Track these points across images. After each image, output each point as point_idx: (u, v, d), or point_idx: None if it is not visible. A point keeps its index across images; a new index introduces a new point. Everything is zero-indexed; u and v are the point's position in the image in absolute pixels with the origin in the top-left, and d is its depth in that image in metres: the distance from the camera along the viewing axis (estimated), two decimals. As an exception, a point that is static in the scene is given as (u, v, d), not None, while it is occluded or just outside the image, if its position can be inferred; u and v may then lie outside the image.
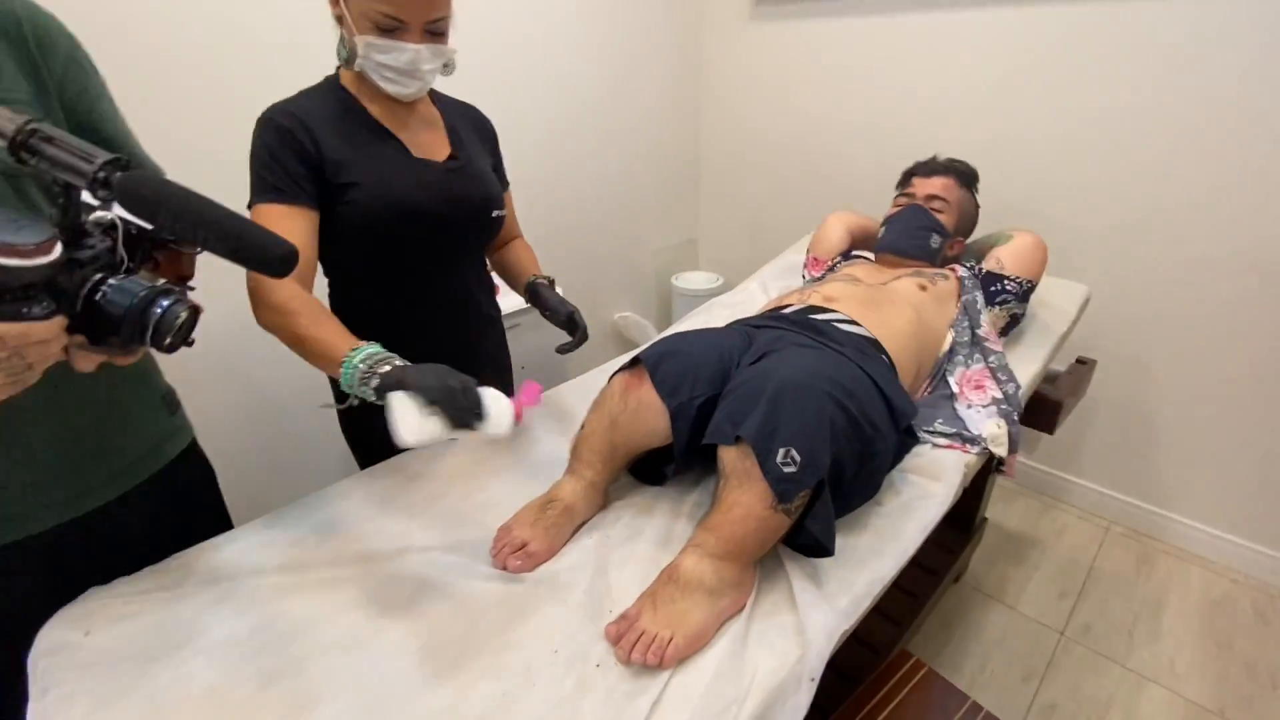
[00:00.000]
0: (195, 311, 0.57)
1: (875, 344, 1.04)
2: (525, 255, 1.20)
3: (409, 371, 0.73)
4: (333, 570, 0.84)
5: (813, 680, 0.69)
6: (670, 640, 0.71)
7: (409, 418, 0.69)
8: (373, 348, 0.78)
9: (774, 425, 0.77)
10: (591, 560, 0.86)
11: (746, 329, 1.05)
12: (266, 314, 0.83)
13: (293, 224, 0.87)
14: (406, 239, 0.98)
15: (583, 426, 0.96)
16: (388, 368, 0.75)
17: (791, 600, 0.79)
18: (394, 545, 0.88)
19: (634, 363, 0.95)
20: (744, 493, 0.76)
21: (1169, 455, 1.78)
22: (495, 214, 1.07)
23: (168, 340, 0.54)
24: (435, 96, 1.07)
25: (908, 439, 0.93)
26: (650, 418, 0.91)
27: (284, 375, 1.55)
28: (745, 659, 0.72)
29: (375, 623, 0.77)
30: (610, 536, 0.91)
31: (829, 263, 1.51)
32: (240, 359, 1.53)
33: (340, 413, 1.12)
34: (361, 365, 0.75)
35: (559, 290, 1.16)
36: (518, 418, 0.79)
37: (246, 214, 0.77)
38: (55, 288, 0.49)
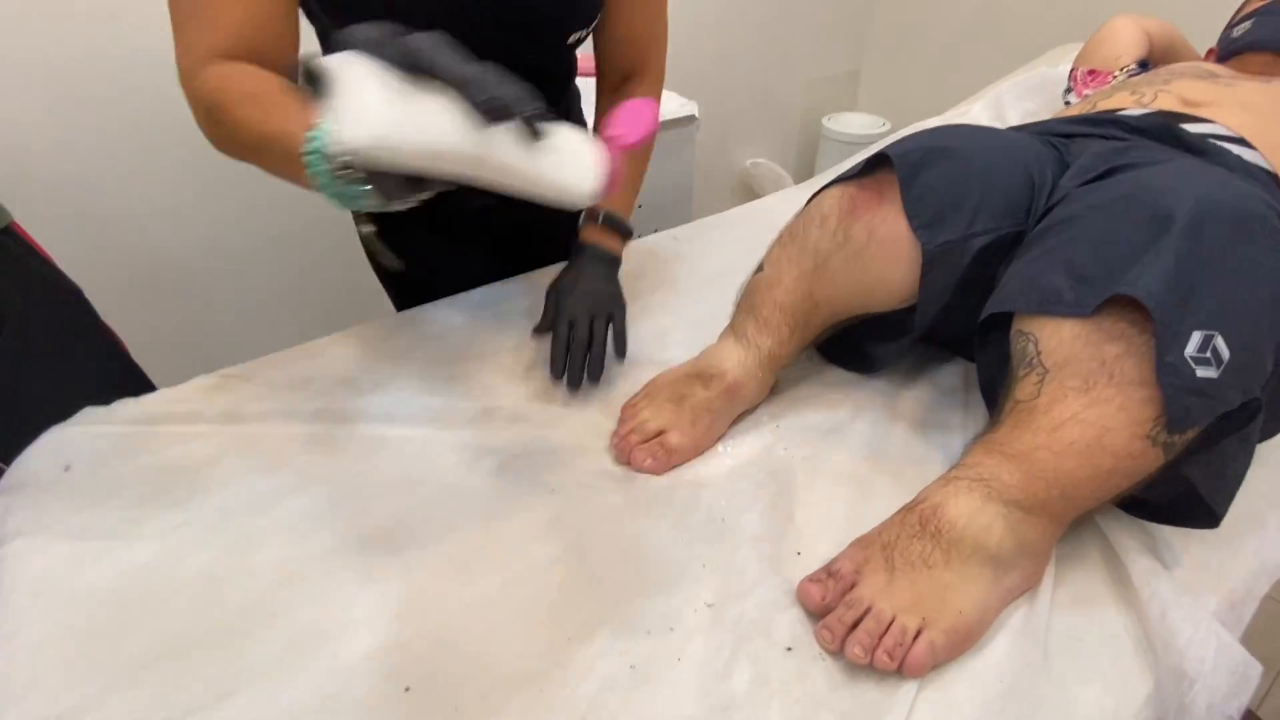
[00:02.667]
0: None
1: (1275, 180, 0.60)
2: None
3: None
4: (391, 429, 0.59)
5: (1204, 758, 0.38)
6: (919, 633, 0.41)
7: (371, 88, 0.33)
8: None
9: (1190, 285, 0.40)
10: (762, 470, 0.56)
11: (1049, 138, 0.63)
12: (203, 124, 0.47)
13: None
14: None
15: (759, 268, 0.62)
16: None
17: (1118, 586, 0.46)
18: (474, 405, 0.61)
19: (872, 165, 0.57)
20: (1095, 402, 0.41)
21: None
22: (573, 36, 0.64)
23: None
24: None
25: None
26: (885, 262, 0.55)
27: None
28: (1052, 682, 0.41)
29: (433, 518, 0.51)
30: (786, 437, 0.59)
31: (1114, 76, 0.99)
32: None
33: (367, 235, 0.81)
34: (332, 145, 0.34)
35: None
36: (609, 183, 0.41)
37: None
38: None
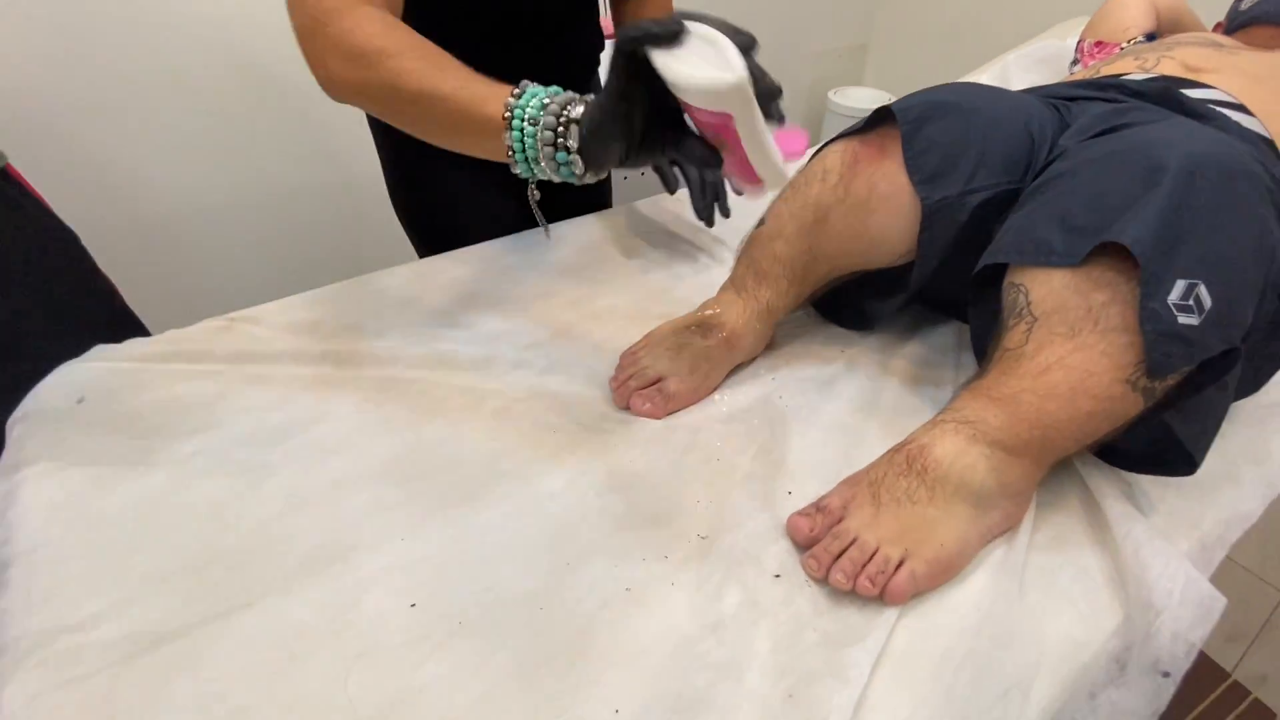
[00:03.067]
0: None
1: (1274, 147, 0.61)
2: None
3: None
4: (395, 369, 0.60)
5: (1166, 676, 0.40)
6: (901, 563, 0.43)
7: (727, 43, 0.37)
8: (540, 87, 0.44)
9: (1177, 234, 0.41)
10: (757, 417, 0.58)
11: (1053, 100, 0.64)
12: (341, 65, 0.47)
13: None
14: None
15: (761, 222, 0.63)
16: (581, 108, 0.42)
17: (1094, 528, 0.48)
18: (476, 351, 0.63)
19: (876, 120, 0.58)
20: (1079, 348, 0.43)
21: None
22: None
23: None
24: None
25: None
26: (886, 217, 0.56)
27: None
28: (1024, 613, 0.43)
29: (437, 453, 0.53)
30: (782, 388, 0.61)
31: (1121, 47, 0.99)
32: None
33: (394, 184, 0.83)
34: (547, 113, 0.42)
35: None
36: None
37: None
38: None
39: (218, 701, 0.37)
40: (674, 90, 0.38)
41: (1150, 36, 1.02)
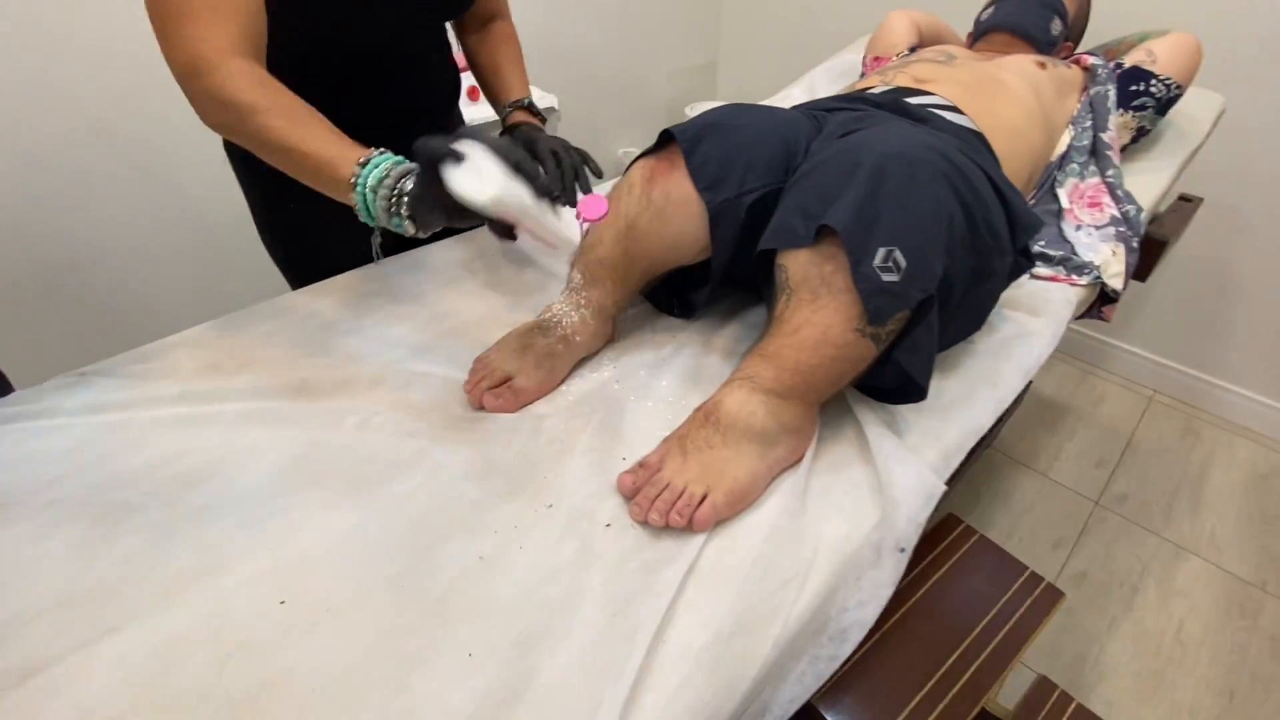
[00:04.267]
0: None
1: (980, 139, 0.77)
2: (507, 60, 0.87)
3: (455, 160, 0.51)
4: (255, 402, 0.64)
5: (902, 551, 0.52)
6: (704, 497, 0.52)
7: (492, 167, 0.51)
8: (385, 156, 0.54)
9: (874, 213, 0.53)
10: (598, 400, 0.66)
11: (813, 113, 0.77)
12: (216, 112, 0.56)
13: None
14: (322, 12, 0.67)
15: (586, 233, 0.72)
16: (411, 182, 0.53)
17: (863, 452, 0.60)
18: (336, 374, 0.67)
19: (663, 142, 0.69)
20: (819, 309, 0.54)
21: (1237, 319, 1.58)
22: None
23: None
24: None
25: (1023, 261, 0.70)
26: (681, 220, 0.67)
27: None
28: (805, 522, 0.54)
29: (303, 468, 0.57)
30: (621, 374, 0.70)
31: (893, 60, 1.18)
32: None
33: (261, 220, 0.87)
34: (383, 187, 0.53)
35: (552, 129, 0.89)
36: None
37: None
38: None
39: (92, 716, 0.41)
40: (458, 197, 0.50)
41: (914, 48, 1.22)
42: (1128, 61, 0.98)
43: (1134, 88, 0.95)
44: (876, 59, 1.19)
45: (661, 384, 0.68)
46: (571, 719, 0.41)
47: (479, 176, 0.50)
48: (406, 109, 0.82)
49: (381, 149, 0.55)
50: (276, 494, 0.55)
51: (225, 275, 1.43)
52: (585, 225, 0.69)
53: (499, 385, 0.65)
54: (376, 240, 0.74)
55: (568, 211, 0.60)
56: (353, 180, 0.53)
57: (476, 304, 0.79)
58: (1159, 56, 0.96)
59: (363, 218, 0.55)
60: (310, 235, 0.86)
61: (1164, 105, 0.98)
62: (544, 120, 0.85)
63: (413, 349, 0.72)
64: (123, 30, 1.12)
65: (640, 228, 0.67)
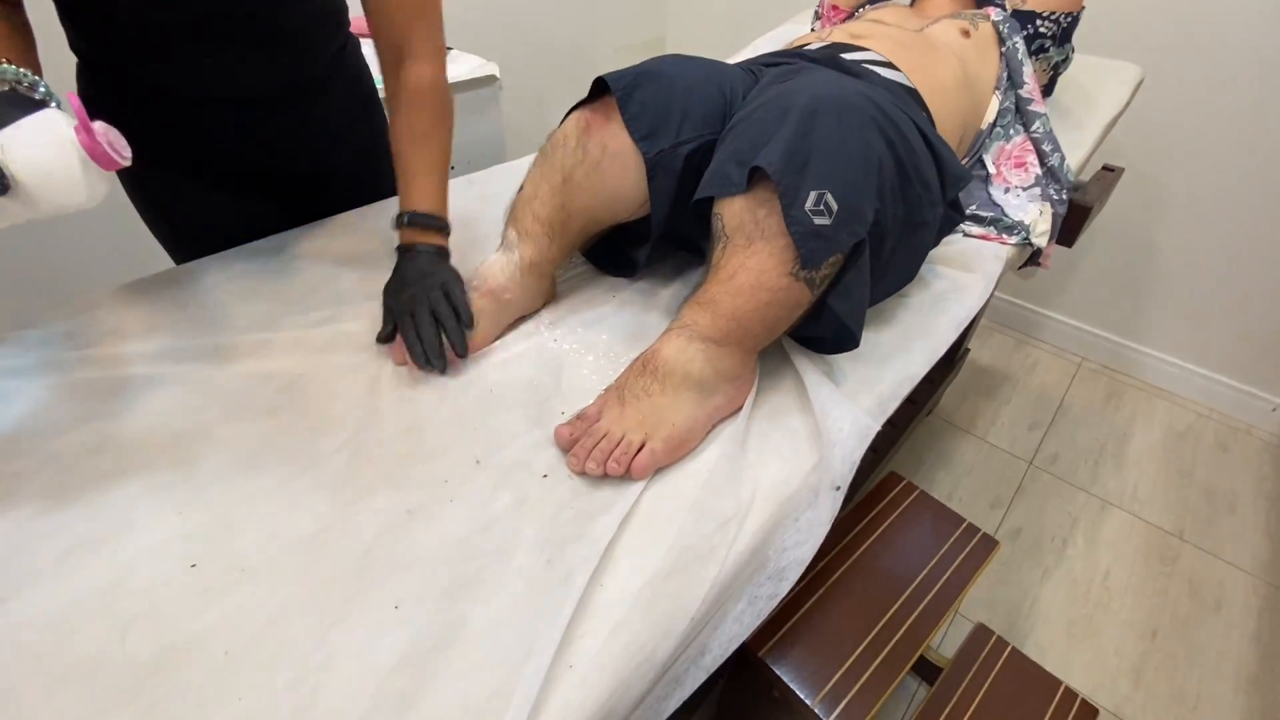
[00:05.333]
0: None
1: (914, 94, 0.78)
2: (413, 142, 0.66)
3: None
4: (166, 366, 0.60)
5: (838, 490, 0.52)
6: (642, 445, 0.52)
7: None
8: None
9: (805, 158, 0.53)
10: (535, 356, 0.65)
11: (750, 67, 0.77)
12: None
13: None
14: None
15: (521, 188, 0.70)
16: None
17: (801, 400, 0.60)
18: (254, 338, 0.64)
19: (597, 92, 0.67)
20: (753, 254, 0.54)
21: (1156, 286, 1.68)
22: None
23: None
24: None
25: (953, 214, 0.71)
26: (618, 172, 0.65)
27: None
28: (744, 467, 0.54)
29: (219, 431, 0.54)
30: (558, 330, 0.69)
31: (850, 12, 1.17)
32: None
33: (128, 185, 0.76)
34: None
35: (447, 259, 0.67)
36: (101, 159, 0.43)
37: None
38: None
39: (-24, 690, 0.37)
40: None
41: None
42: (1009, 7, 1.00)
43: (1026, 32, 0.97)
44: (834, 7, 1.18)
45: (601, 339, 0.67)
46: (504, 663, 0.39)
47: None
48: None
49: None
50: (186, 460, 0.52)
51: (127, 247, 1.34)
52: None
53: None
54: None
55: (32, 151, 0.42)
56: None
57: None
58: None
59: None
60: (174, 209, 0.77)
61: (1062, 37, 0.99)
62: (443, 229, 0.67)
63: (336, 309, 0.68)
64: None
65: (577, 181, 0.66)
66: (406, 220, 0.65)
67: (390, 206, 0.84)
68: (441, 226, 0.67)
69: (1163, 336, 1.73)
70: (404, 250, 0.66)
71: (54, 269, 1.27)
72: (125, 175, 0.74)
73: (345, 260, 0.75)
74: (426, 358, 0.59)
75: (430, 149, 0.67)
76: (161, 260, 0.82)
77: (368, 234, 0.79)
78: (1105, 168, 1.34)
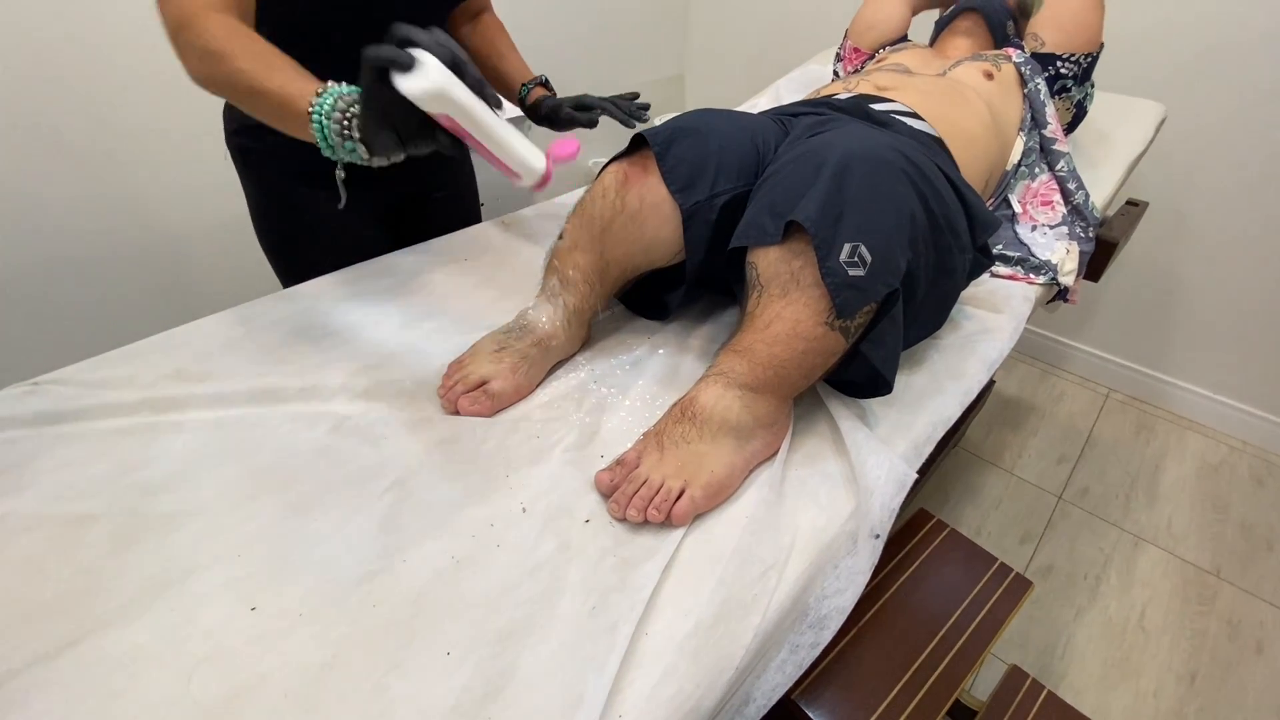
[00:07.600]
0: None
1: (940, 143, 0.80)
2: (508, 48, 0.94)
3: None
4: (218, 410, 0.62)
5: (877, 538, 0.53)
6: (682, 492, 0.53)
7: (437, 63, 0.48)
8: (341, 86, 0.53)
9: (838, 210, 0.55)
10: (574, 401, 0.66)
11: (780, 117, 0.79)
12: (196, 62, 0.57)
13: None
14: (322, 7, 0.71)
15: (560, 236, 0.73)
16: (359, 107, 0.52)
17: (837, 445, 0.61)
18: (303, 380, 0.66)
19: (635, 145, 0.70)
20: (789, 303, 0.56)
21: (1184, 319, 1.66)
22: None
23: None
24: None
25: (982, 259, 0.73)
26: (656, 223, 0.68)
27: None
28: (782, 513, 0.54)
29: (271, 474, 0.56)
30: (597, 375, 0.70)
31: (871, 53, 1.19)
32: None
33: (257, 215, 0.88)
34: (336, 112, 0.52)
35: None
36: (547, 176, 0.57)
37: None
38: None
39: (51, 732, 0.39)
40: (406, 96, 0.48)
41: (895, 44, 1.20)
42: (1027, 50, 1.02)
43: (1047, 74, 0.99)
44: (855, 50, 1.20)
45: (638, 384, 0.69)
46: (555, 712, 0.40)
47: (425, 74, 0.48)
48: None
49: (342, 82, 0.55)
50: (243, 500, 0.54)
51: (188, 284, 1.39)
52: (554, 165, 0.60)
53: (474, 389, 0.64)
54: (340, 176, 0.69)
55: (530, 144, 0.56)
56: (310, 111, 0.53)
57: (449, 308, 0.79)
58: (1046, 38, 0.99)
59: (324, 151, 0.54)
60: (301, 237, 0.88)
61: (1083, 76, 1.00)
62: (554, 92, 0.92)
63: (383, 354, 0.71)
64: (77, 27, 1.09)
65: (615, 231, 0.68)
66: (543, 80, 0.92)
67: (454, 248, 0.91)
68: (553, 88, 0.93)
69: (1192, 368, 1.70)
70: (535, 105, 0.90)
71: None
72: (260, 194, 0.86)
73: (404, 299, 0.79)
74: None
75: (519, 54, 0.95)
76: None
77: (439, 266, 0.84)
78: (1130, 202, 1.35)
